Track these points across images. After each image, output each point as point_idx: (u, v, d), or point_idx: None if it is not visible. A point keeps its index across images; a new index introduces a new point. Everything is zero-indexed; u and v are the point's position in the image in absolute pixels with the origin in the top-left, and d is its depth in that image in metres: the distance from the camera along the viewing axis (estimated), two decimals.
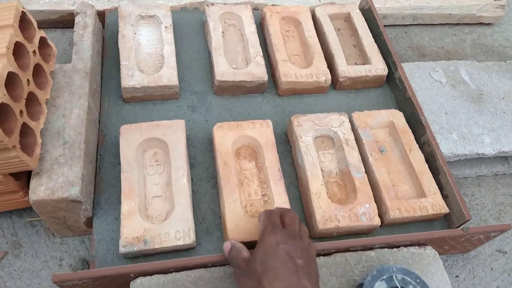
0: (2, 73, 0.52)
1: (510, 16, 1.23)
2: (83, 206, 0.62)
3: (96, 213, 0.67)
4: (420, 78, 0.89)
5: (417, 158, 0.75)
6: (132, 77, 0.77)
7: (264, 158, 0.72)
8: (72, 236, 0.71)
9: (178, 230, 0.62)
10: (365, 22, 0.95)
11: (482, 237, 0.71)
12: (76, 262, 0.63)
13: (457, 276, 0.76)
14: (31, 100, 0.59)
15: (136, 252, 0.60)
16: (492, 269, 0.78)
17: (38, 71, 0.62)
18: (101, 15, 0.93)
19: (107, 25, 0.91)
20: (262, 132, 0.75)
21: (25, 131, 0.57)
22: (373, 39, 0.92)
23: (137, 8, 0.87)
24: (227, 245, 0.58)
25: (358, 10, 0.98)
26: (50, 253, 0.68)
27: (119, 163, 0.68)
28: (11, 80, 0.55)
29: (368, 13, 0.97)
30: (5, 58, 0.53)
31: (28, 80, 0.58)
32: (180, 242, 0.61)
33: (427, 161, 0.76)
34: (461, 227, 0.69)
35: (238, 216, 0.65)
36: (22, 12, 0.59)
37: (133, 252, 0.60)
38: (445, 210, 0.70)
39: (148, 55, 0.84)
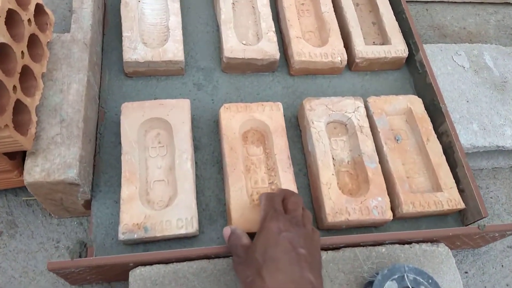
0: None
1: None
2: (81, 188, 0.59)
3: (95, 195, 0.64)
4: (442, 61, 0.83)
5: (435, 149, 0.71)
6: (135, 50, 0.72)
7: (273, 144, 0.68)
8: (70, 217, 0.68)
9: (181, 218, 0.59)
10: None
11: (497, 235, 0.68)
12: (73, 244, 0.60)
13: (466, 272, 0.74)
14: (26, 74, 0.55)
15: (136, 239, 0.57)
16: (502, 266, 0.75)
17: (33, 41, 0.57)
18: None
19: None
20: (272, 115, 0.71)
21: (19, 108, 0.53)
22: (394, 17, 0.86)
23: None
24: (226, 231, 0.55)
25: None
26: (47, 234, 0.66)
27: (120, 143, 0.64)
28: (3, 52, 0.50)
29: None
30: None
31: (22, 52, 0.53)
32: (183, 231, 0.58)
33: (444, 152, 0.72)
34: (477, 224, 0.66)
35: (244, 205, 0.62)
36: None
37: (133, 239, 0.57)
38: (461, 206, 0.67)
39: (153, 25, 0.78)
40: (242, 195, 0.62)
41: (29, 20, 0.56)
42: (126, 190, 0.59)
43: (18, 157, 0.59)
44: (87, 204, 0.64)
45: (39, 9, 0.60)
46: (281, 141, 0.68)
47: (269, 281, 0.44)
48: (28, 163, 0.56)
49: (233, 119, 0.69)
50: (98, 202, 0.63)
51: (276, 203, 0.53)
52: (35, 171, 0.55)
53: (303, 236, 0.49)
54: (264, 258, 0.47)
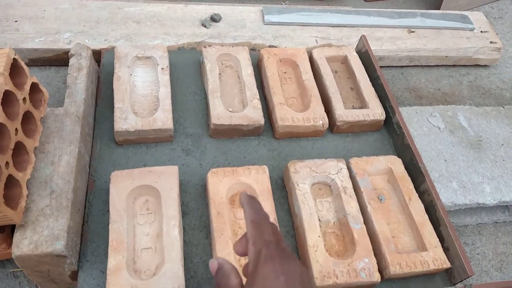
0: None
1: (505, 58, 1.24)
2: (68, 260, 0.59)
3: (82, 265, 0.63)
4: (418, 123, 0.88)
5: (417, 208, 0.73)
6: (126, 120, 0.76)
7: None
8: None
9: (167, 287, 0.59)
10: (362, 65, 0.95)
11: None
12: None
13: None
14: (19, 149, 0.57)
15: None
16: None
17: (27, 118, 0.60)
18: (97, 54, 0.92)
19: (103, 65, 0.90)
20: (258, 178, 0.73)
21: (11, 182, 0.54)
22: (370, 83, 0.92)
23: (133, 49, 0.86)
24: (213, 264, 0.48)
25: (355, 53, 0.98)
26: None
27: (108, 211, 0.65)
28: None
29: (365, 56, 0.97)
30: None
31: (16, 129, 0.56)
32: None
33: (427, 210, 0.74)
34: (463, 283, 0.66)
35: None
36: (14, 59, 0.58)
37: None
38: (447, 265, 0.68)
39: (143, 96, 0.83)
40: (230, 261, 0.63)
41: (24, 99, 0.59)
42: (113, 260, 0.60)
43: (7, 230, 0.60)
44: (74, 275, 0.63)
45: (34, 87, 0.63)
46: (267, 204, 0.70)
47: None
48: (17, 236, 0.56)
49: (220, 183, 0.71)
50: (84, 273, 0.63)
51: (266, 234, 0.46)
52: (23, 244, 0.56)
53: (299, 273, 0.44)
54: None
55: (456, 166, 0.80)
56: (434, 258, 0.68)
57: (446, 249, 0.70)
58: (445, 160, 0.80)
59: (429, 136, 0.84)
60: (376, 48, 1.09)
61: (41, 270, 0.60)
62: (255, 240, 0.46)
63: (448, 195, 0.76)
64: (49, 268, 0.60)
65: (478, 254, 0.82)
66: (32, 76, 0.62)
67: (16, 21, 0.97)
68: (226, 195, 0.70)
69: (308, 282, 0.45)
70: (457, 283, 0.69)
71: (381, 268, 0.67)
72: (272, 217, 0.68)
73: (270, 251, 0.44)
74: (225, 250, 0.64)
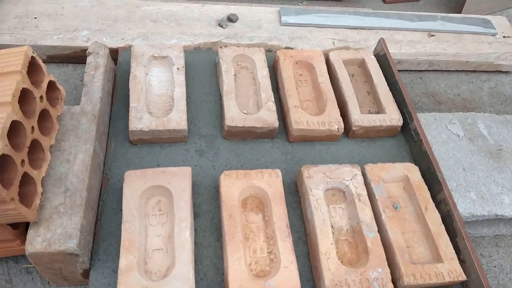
0: (6, 123, 0.50)
1: None
2: (80, 258, 0.59)
3: (94, 264, 0.64)
4: (437, 130, 0.86)
5: (433, 218, 0.72)
6: (141, 119, 0.76)
7: (271, 211, 0.69)
8: (68, 286, 0.67)
9: None
10: (380, 69, 0.94)
11: None
12: None
13: None
14: (35, 147, 0.58)
15: None
16: None
17: (44, 116, 0.61)
18: (114, 52, 0.92)
19: (119, 63, 0.90)
20: (271, 182, 0.72)
21: (26, 180, 0.55)
22: (387, 87, 0.90)
23: (150, 49, 0.86)
24: None
25: (373, 56, 0.96)
26: None
27: (121, 210, 0.65)
28: (14, 128, 0.53)
29: (383, 59, 0.96)
30: (10, 106, 0.52)
31: (32, 127, 0.56)
32: None
33: (443, 221, 0.72)
34: None
35: (242, 276, 0.61)
36: (32, 57, 0.58)
37: None
38: (462, 277, 0.66)
39: (159, 96, 0.83)
40: (240, 265, 0.62)
41: (41, 97, 0.59)
42: (124, 260, 0.60)
43: (21, 226, 0.61)
44: (86, 273, 0.64)
45: (51, 85, 0.64)
46: (279, 209, 0.69)
47: None
48: (30, 233, 0.57)
49: (233, 186, 0.71)
50: (96, 271, 0.63)
51: None
52: (36, 241, 0.56)
53: None
54: None
55: (474, 175, 0.78)
56: (450, 270, 0.66)
57: (462, 261, 0.69)
58: (464, 169, 0.78)
59: (447, 144, 0.82)
60: (395, 51, 1.07)
61: (53, 268, 0.61)
62: None
63: (466, 205, 0.74)
64: (61, 265, 0.60)
65: (495, 266, 0.80)
66: (49, 74, 0.63)
67: (35, 18, 0.98)
68: (238, 198, 0.70)
69: None
70: None
71: (395, 278, 0.66)
72: (284, 223, 0.68)
73: None
74: (236, 254, 0.63)
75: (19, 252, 0.63)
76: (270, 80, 0.87)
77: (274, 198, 0.70)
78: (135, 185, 0.68)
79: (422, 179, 0.76)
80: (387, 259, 0.66)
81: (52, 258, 0.58)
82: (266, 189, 0.71)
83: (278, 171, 0.74)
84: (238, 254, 0.63)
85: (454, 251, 0.68)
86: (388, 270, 0.65)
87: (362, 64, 0.96)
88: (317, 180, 0.73)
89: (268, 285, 0.61)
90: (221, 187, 0.70)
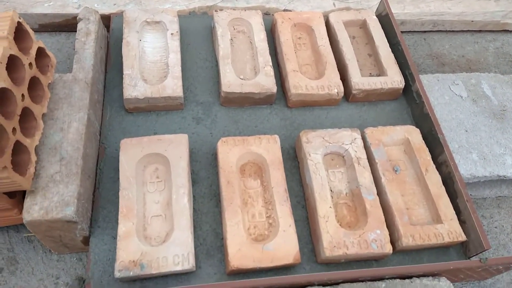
0: None
1: None
2: (79, 225, 0.60)
3: (93, 231, 0.64)
4: (439, 91, 0.84)
5: (434, 180, 0.71)
6: (135, 87, 0.74)
7: (270, 177, 0.68)
8: (70, 253, 0.68)
9: (177, 254, 0.59)
10: (382, 30, 0.90)
11: (501, 267, 0.66)
12: (72, 281, 0.61)
13: None
14: (26, 115, 0.57)
15: (132, 276, 0.57)
16: None
17: (34, 84, 0.59)
18: (106, 19, 0.90)
19: (112, 30, 0.88)
20: (269, 148, 0.71)
21: (19, 148, 0.54)
22: (389, 49, 0.87)
23: (143, 14, 0.83)
24: None
25: (375, 17, 0.93)
26: (47, 270, 0.66)
27: (119, 178, 0.65)
28: (3, 96, 0.52)
29: (385, 20, 0.92)
30: None
31: (22, 95, 0.55)
32: (179, 267, 0.58)
33: (444, 183, 0.71)
34: (479, 257, 0.64)
35: (241, 240, 0.61)
36: (18, 22, 0.56)
37: (129, 277, 0.57)
38: (462, 238, 0.66)
39: (153, 63, 0.81)
40: (239, 230, 0.62)
41: (30, 64, 0.58)
42: (123, 227, 0.60)
43: (18, 196, 0.60)
44: (86, 240, 0.64)
45: (40, 52, 0.62)
46: (278, 174, 0.69)
47: None
48: (27, 201, 0.57)
49: (230, 152, 0.70)
50: (96, 238, 0.64)
51: None
52: (33, 210, 0.56)
53: None
54: None
55: (477, 136, 0.76)
56: (449, 230, 0.66)
57: (462, 222, 0.68)
58: (466, 131, 0.76)
59: (450, 105, 0.80)
60: (398, 11, 1.03)
61: (52, 235, 0.61)
62: None
63: (467, 166, 0.73)
64: (61, 233, 0.61)
65: (496, 227, 0.80)
66: (38, 40, 0.61)
67: None
68: (236, 164, 0.69)
69: None
70: (472, 256, 0.67)
71: (393, 239, 0.66)
72: (283, 187, 0.67)
73: None
74: (234, 219, 0.63)
75: (18, 221, 0.63)
76: (268, 44, 0.85)
77: (272, 163, 0.70)
78: (131, 153, 0.67)
79: (423, 142, 0.75)
80: (386, 221, 0.66)
81: (51, 226, 0.58)
82: (264, 154, 0.70)
83: (276, 137, 0.73)
84: (237, 219, 0.63)
85: (454, 212, 0.68)
86: (386, 232, 0.65)
87: (363, 25, 0.93)
88: (316, 145, 0.72)
89: (267, 248, 0.61)
90: (219, 154, 0.70)
